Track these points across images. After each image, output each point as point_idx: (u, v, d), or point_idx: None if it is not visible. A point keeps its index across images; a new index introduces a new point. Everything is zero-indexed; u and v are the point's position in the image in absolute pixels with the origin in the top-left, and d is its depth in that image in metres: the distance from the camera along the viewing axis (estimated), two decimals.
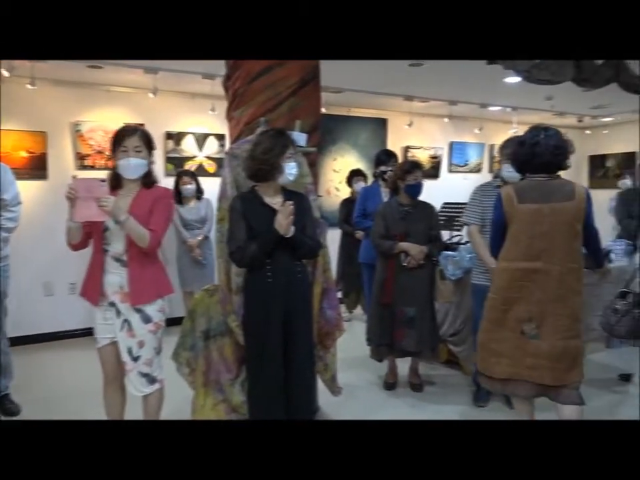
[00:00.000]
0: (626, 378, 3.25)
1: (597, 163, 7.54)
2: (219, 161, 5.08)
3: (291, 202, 2.27)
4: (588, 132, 7.28)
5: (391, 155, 4.26)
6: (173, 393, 2.58)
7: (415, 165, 3.40)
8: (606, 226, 3.92)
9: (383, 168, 4.12)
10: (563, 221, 2.23)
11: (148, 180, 2.32)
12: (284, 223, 2.24)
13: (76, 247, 2.30)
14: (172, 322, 2.96)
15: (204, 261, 4.53)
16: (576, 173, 7.01)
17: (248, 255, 2.30)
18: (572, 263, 2.25)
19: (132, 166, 2.24)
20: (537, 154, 2.26)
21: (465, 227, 3.45)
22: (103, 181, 2.14)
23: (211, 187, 4.13)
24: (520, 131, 5.62)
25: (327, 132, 5.67)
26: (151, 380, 2.34)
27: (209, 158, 5.28)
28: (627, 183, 5.63)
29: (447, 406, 3.28)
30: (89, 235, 2.29)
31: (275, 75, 2.66)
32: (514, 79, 4.34)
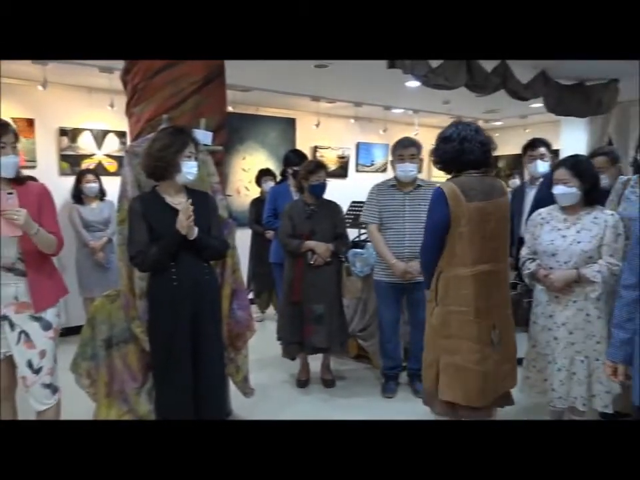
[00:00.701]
0: (518, 362, 3.53)
1: None
2: (120, 160, 4.83)
3: (189, 200, 2.21)
4: None
5: (301, 156, 4.28)
6: (70, 406, 2.42)
7: (318, 165, 3.45)
8: None
9: (295, 168, 4.14)
10: (502, 217, 2.17)
11: (20, 176, 2.16)
12: (185, 223, 2.17)
13: None
14: (71, 331, 2.79)
15: (107, 265, 4.32)
16: None
17: (150, 259, 2.21)
18: (507, 261, 2.23)
19: (12, 164, 2.08)
20: (466, 150, 2.13)
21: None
22: (9, 193, 1.97)
23: (112, 186, 3.92)
24: (420, 132, 5.93)
25: (235, 131, 5.60)
26: (54, 390, 2.24)
27: (108, 156, 5.00)
28: (516, 182, 6.14)
29: (357, 399, 3.37)
30: None
31: (177, 71, 2.58)
32: (414, 83, 4.54)
